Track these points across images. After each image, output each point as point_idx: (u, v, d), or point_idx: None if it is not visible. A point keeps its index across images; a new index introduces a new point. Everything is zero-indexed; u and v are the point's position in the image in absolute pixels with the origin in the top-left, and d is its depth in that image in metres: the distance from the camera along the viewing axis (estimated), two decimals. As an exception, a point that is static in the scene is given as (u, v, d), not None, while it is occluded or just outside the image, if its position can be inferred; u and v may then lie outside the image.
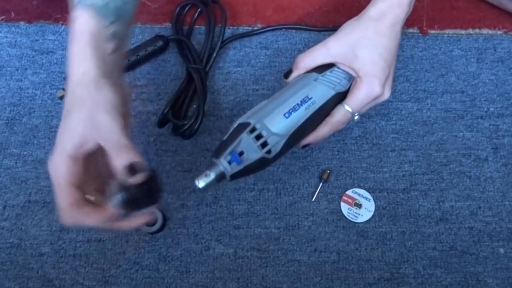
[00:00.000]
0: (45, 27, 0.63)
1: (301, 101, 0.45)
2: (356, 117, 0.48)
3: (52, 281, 0.51)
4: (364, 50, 0.46)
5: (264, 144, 0.43)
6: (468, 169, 0.57)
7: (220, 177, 0.43)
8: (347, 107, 0.47)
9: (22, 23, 0.63)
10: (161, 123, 0.56)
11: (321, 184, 0.55)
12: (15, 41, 0.62)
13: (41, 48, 0.62)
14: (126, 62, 0.59)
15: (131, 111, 0.46)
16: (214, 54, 0.59)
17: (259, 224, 0.54)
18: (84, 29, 0.39)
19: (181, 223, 0.53)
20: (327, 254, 0.53)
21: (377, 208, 0.54)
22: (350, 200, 0.55)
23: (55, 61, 0.61)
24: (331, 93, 0.47)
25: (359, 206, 0.54)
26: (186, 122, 0.54)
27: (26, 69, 0.61)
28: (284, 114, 0.44)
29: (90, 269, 0.51)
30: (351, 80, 0.48)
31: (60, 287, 0.51)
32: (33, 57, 0.61)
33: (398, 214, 0.54)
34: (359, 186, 0.55)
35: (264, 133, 0.43)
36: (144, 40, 0.61)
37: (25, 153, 0.56)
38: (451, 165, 0.57)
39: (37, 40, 0.62)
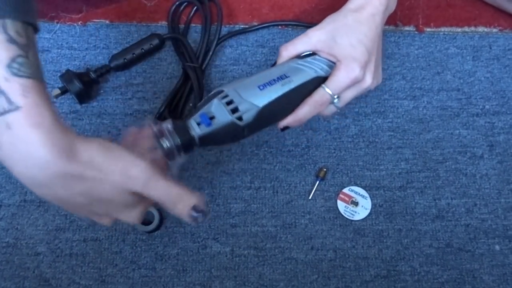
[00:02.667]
0: (40, 26, 0.62)
1: (277, 78, 0.46)
2: (335, 101, 0.48)
3: (48, 281, 0.51)
4: (343, 36, 0.47)
5: (234, 110, 0.43)
6: (464, 167, 0.57)
7: (188, 139, 0.42)
8: (326, 88, 0.47)
9: (16, 21, 0.63)
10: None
11: (317, 182, 0.55)
12: (10, 39, 0.62)
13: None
14: (122, 61, 0.59)
15: None
16: (211, 52, 0.59)
17: (256, 222, 0.54)
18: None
19: (178, 222, 0.53)
20: (324, 252, 0.53)
21: (373, 206, 0.55)
22: (346, 198, 0.55)
23: (50, 59, 0.61)
24: (311, 75, 0.47)
25: (355, 204, 0.55)
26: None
27: (21, 67, 0.60)
28: (259, 86, 0.45)
29: (86, 268, 0.51)
30: (332, 67, 0.48)
31: (56, 287, 0.51)
32: (28, 55, 0.61)
33: (395, 212, 0.55)
34: (356, 184, 0.56)
35: (235, 99, 0.43)
36: (140, 38, 0.60)
37: (20, 152, 0.56)
38: (447, 163, 0.57)
39: (32, 39, 0.62)
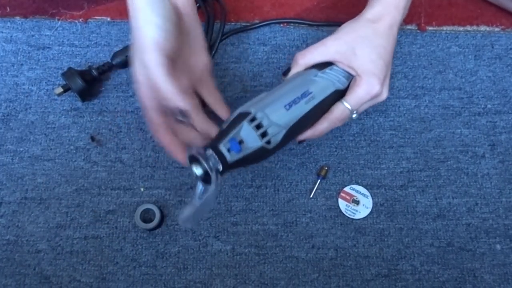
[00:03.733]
0: (41, 22, 0.62)
1: (301, 95, 0.45)
2: (354, 115, 0.48)
3: (49, 278, 0.51)
4: (363, 49, 0.46)
5: (264, 134, 0.43)
6: (466, 166, 0.57)
7: (218, 165, 0.42)
8: (346, 104, 0.47)
9: (17, 18, 0.63)
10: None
11: (319, 180, 0.55)
12: (11, 36, 0.62)
13: (37, 43, 0.61)
14: (124, 58, 0.58)
15: (196, 24, 0.46)
16: (214, 50, 0.59)
17: (257, 220, 0.54)
18: None
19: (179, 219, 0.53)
20: (325, 251, 0.53)
21: (374, 204, 0.55)
22: (348, 197, 0.55)
23: (51, 56, 0.61)
24: (331, 89, 0.47)
25: (356, 202, 0.55)
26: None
27: (22, 64, 0.60)
28: (285, 106, 0.44)
29: (87, 266, 0.51)
30: (350, 79, 0.48)
31: (57, 284, 0.51)
32: (29, 52, 0.61)
33: (396, 211, 0.54)
34: (357, 183, 0.55)
35: (264, 122, 0.43)
36: (141, 35, 0.60)
37: (21, 149, 0.56)
38: (449, 162, 0.57)
39: (33, 36, 0.62)
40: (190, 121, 0.44)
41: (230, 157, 0.42)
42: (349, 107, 0.47)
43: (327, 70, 0.48)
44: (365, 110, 0.49)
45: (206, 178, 0.42)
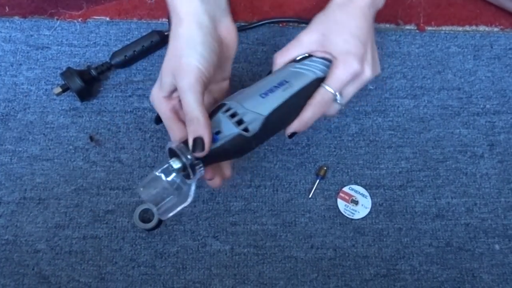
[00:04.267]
0: (39, 22, 0.62)
1: (278, 84, 0.45)
2: (338, 99, 0.46)
3: (48, 278, 0.51)
4: (336, 33, 0.47)
5: (240, 122, 0.42)
6: (464, 166, 0.57)
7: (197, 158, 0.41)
8: (327, 87, 0.46)
9: (16, 18, 0.63)
10: (158, 119, 0.55)
11: (317, 181, 0.55)
12: (10, 36, 0.62)
13: (36, 43, 0.61)
14: (123, 58, 0.58)
15: (232, 54, 0.47)
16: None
17: (256, 220, 0.54)
18: None
19: (178, 220, 0.53)
20: (324, 251, 0.53)
21: (373, 204, 0.55)
22: (346, 197, 0.55)
23: (50, 56, 0.61)
24: (310, 77, 0.47)
25: (355, 202, 0.55)
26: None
27: (20, 64, 0.60)
28: (260, 95, 0.44)
29: (86, 266, 0.51)
30: (330, 66, 0.48)
31: (56, 284, 0.51)
32: (27, 52, 0.61)
33: (395, 211, 0.54)
34: (356, 183, 0.55)
35: (239, 110, 0.43)
36: (140, 35, 0.60)
37: (20, 149, 0.56)
38: (448, 162, 0.57)
39: (31, 35, 0.62)
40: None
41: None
42: (331, 90, 0.46)
43: (305, 61, 0.48)
44: (353, 94, 0.48)
45: (186, 173, 0.42)
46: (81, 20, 0.62)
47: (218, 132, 0.42)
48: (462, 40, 0.63)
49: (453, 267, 0.52)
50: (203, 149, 0.40)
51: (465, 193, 0.56)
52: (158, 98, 0.45)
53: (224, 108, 0.43)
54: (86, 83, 0.56)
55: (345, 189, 0.55)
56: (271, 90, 0.45)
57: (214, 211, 0.54)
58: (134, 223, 0.52)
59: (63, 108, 0.58)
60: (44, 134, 0.57)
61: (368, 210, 0.54)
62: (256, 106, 0.43)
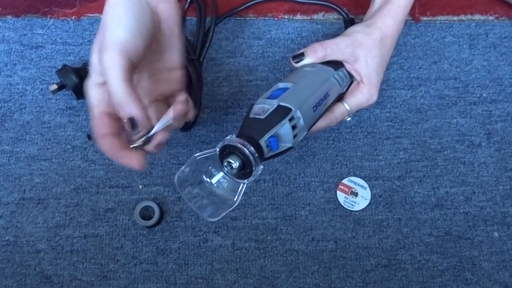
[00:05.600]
0: (33, 21, 0.62)
1: (324, 96, 0.46)
2: (348, 118, 0.51)
3: (50, 278, 0.51)
4: (373, 58, 0.48)
5: (295, 135, 0.42)
6: (462, 155, 0.57)
7: (258, 160, 0.38)
8: (347, 106, 0.49)
9: (9, 17, 0.62)
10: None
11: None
12: (3, 35, 0.61)
13: (29, 42, 0.61)
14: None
15: (176, 40, 0.42)
16: (208, 44, 0.59)
17: (256, 215, 0.54)
18: None
19: (178, 216, 0.53)
20: (325, 243, 0.53)
21: (373, 196, 0.55)
22: (346, 189, 0.55)
23: (45, 55, 0.60)
24: (339, 91, 0.49)
25: (355, 194, 0.55)
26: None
27: (15, 64, 0.60)
28: (313, 107, 0.44)
29: (88, 264, 0.51)
30: (350, 82, 0.50)
31: (58, 284, 0.51)
32: (22, 52, 0.60)
33: (394, 202, 0.55)
34: (355, 175, 0.56)
35: (298, 124, 0.42)
36: (135, 32, 0.60)
37: (17, 149, 0.56)
38: (445, 152, 0.57)
39: (25, 35, 0.61)
40: (137, 134, 0.39)
41: (266, 154, 0.40)
42: (349, 109, 0.49)
43: (340, 72, 0.49)
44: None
45: (235, 172, 0.39)
46: (74, 18, 0.62)
47: (277, 137, 0.40)
48: (458, 29, 0.63)
49: (453, 255, 0.53)
50: (137, 126, 0.36)
51: (464, 182, 0.56)
52: (87, 86, 0.39)
53: (290, 116, 0.41)
54: (83, 80, 0.55)
55: (344, 181, 0.55)
56: (319, 104, 0.45)
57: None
58: (135, 220, 0.52)
59: (59, 107, 0.58)
60: (41, 134, 0.56)
61: (368, 201, 0.54)
62: (308, 120, 0.44)
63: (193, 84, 0.56)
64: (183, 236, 0.53)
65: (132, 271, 0.51)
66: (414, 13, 0.64)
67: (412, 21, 0.64)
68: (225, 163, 0.39)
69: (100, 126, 0.39)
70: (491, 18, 0.64)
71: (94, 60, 0.39)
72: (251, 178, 0.39)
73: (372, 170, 0.56)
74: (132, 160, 0.38)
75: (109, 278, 0.51)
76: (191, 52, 0.57)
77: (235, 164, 0.38)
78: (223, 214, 0.41)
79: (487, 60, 0.62)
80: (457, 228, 0.54)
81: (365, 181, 0.55)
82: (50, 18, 0.62)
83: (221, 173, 0.40)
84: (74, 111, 0.58)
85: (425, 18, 0.64)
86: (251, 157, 0.37)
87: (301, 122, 0.42)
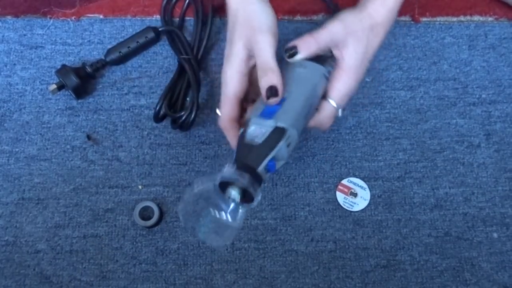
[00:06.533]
0: (33, 21, 0.62)
1: (313, 100, 0.45)
2: (340, 114, 0.48)
3: (49, 278, 0.51)
4: (360, 45, 0.46)
5: (289, 150, 0.42)
6: (462, 156, 0.57)
7: (256, 186, 0.39)
8: (333, 102, 0.47)
9: (9, 17, 0.62)
10: (157, 118, 0.55)
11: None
12: (3, 36, 0.61)
13: (29, 42, 0.61)
14: (117, 54, 0.58)
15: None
16: (204, 42, 0.59)
17: (256, 215, 0.54)
18: None
19: (178, 216, 0.53)
20: (324, 243, 0.53)
21: (372, 196, 0.55)
22: (345, 189, 0.55)
23: (44, 55, 0.60)
24: (325, 83, 0.47)
25: (354, 195, 0.55)
26: (182, 113, 0.54)
27: (14, 64, 0.60)
28: (305, 116, 0.44)
29: (87, 265, 0.51)
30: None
31: (57, 284, 0.51)
32: (21, 52, 0.60)
33: (393, 202, 0.55)
34: (354, 175, 0.56)
35: (292, 140, 0.42)
36: (135, 33, 0.60)
37: (17, 149, 0.56)
38: (445, 152, 0.57)
39: (25, 35, 0.61)
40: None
41: (265, 178, 0.40)
42: (335, 105, 0.47)
43: (329, 66, 0.47)
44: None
45: (245, 199, 0.40)
46: (74, 18, 0.62)
47: (274, 159, 0.41)
48: (457, 30, 0.63)
49: (452, 256, 0.53)
50: (277, 95, 0.43)
51: (463, 183, 0.56)
52: (230, 72, 0.46)
53: (286, 136, 0.41)
54: (82, 80, 0.56)
55: (344, 181, 0.55)
56: (310, 109, 0.45)
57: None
58: (134, 221, 0.52)
59: (59, 107, 0.58)
60: (40, 134, 0.56)
61: (367, 202, 0.55)
62: (300, 131, 0.43)
63: (191, 82, 0.56)
64: (183, 236, 0.53)
65: (131, 272, 0.51)
66: (414, 14, 0.64)
67: (412, 22, 0.64)
68: (226, 195, 0.39)
69: (232, 107, 0.46)
70: (490, 19, 0.64)
71: (239, 49, 0.46)
72: (254, 204, 0.40)
73: (371, 171, 0.56)
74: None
75: (108, 279, 0.51)
76: (189, 51, 0.58)
77: (236, 196, 0.39)
78: (231, 239, 0.43)
79: (487, 61, 0.62)
80: (456, 229, 0.54)
81: (365, 181, 0.55)
82: (50, 18, 0.62)
83: (222, 203, 0.40)
84: (73, 111, 0.58)
85: (424, 19, 0.64)
86: (251, 189, 0.38)
87: (295, 137, 0.42)
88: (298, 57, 0.46)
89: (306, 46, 0.46)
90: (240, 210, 0.40)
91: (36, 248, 0.52)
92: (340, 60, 0.47)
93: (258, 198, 0.39)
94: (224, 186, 0.40)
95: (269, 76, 0.43)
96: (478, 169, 0.57)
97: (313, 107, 0.46)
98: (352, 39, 0.46)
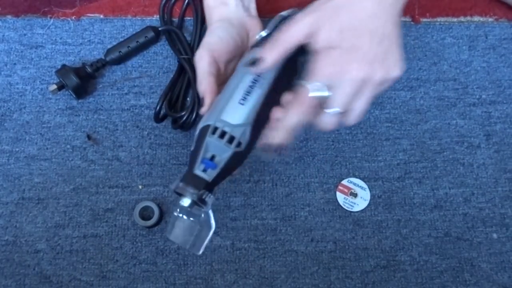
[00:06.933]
0: (33, 21, 0.62)
1: (252, 83, 0.43)
2: (332, 110, 0.40)
3: (49, 278, 0.51)
4: (334, 22, 0.39)
5: (231, 140, 0.41)
6: (462, 156, 0.57)
7: (204, 190, 0.41)
8: (305, 83, 0.40)
9: (9, 17, 0.62)
10: (157, 118, 0.55)
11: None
12: (3, 35, 0.61)
13: (29, 42, 0.61)
14: (117, 54, 0.58)
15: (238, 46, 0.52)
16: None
17: (256, 215, 0.54)
18: None
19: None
20: (324, 244, 0.53)
21: (372, 197, 0.55)
22: (345, 190, 0.55)
23: (45, 55, 0.60)
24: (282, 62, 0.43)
25: (354, 195, 0.55)
26: (183, 113, 0.54)
27: (15, 64, 0.60)
28: (239, 102, 0.42)
29: (87, 264, 0.51)
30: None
31: (57, 284, 0.51)
32: (21, 51, 0.60)
33: (393, 203, 0.55)
34: (354, 176, 0.56)
35: (226, 128, 0.41)
36: (135, 32, 0.60)
37: (17, 149, 0.56)
38: (445, 153, 0.57)
39: (25, 35, 0.61)
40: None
41: (208, 177, 0.41)
42: (309, 87, 0.39)
43: (260, 39, 0.46)
44: (365, 105, 0.41)
45: (199, 205, 0.42)
46: (74, 18, 0.62)
47: (213, 157, 0.41)
48: (457, 31, 0.63)
49: (452, 256, 0.53)
50: (202, 105, 0.47)
51: (463, 183, 0.56)
52: (204, 54, 0.50)
53: (210, 130, 0.41)
54: (82, 80, 0.56)
55: (344, 182, 0.55)
56: (248, 92, 0.43)
57: (214, 207, 0.54)
58: (134, 220, 0.52)
59: (59, 107, 0.58)
60: (41, 133, 0.56)
61: (367, 202, 0.55)
62: (240, 116, 0.42)
63: (191, 82, 0.56)
64: (183, 236, 0.53)
65: (131, 271, 0.51)
66: (414, 15, 0.64)
67: (412, 23, 0.64)
68: (181, 206, 0.42)
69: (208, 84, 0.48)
70: (490, 19, 0.64)
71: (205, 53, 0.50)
72: (208, 208, 0.43)
73: (371, 171, 0.56)
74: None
75: (108, 278, 0.51)
76: (188, 51, 0.58)
77: (187, 203, 0.42)
78: (207, 240, 0.44)
79: (487, 61, 0.62)
80: (456, 229, 0.54)
81: (365, 182, 0.55)
82: (50, 18, 0.62)
83: (188, 209, 0.42)
84: (73, 111, 0.58)
85: (424, 20, 0.64)
86: (193, 197, 0.41)
87: (229, 125, 0.41)
88: (265, 66, 0.42)
89: (270, 59, 0.41)
90: (199, 213, 0.43)
91: (36, 248, 0.52)
92: (316, 42, 0.40)
93: (210, 200, 0.42)
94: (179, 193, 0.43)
95: (200, 87, 0.48)
96: (478, 170, 0.57)
97: (254, 91, 0.42)
98: (318, 23, 0.39)
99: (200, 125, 0.43)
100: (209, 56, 0.49)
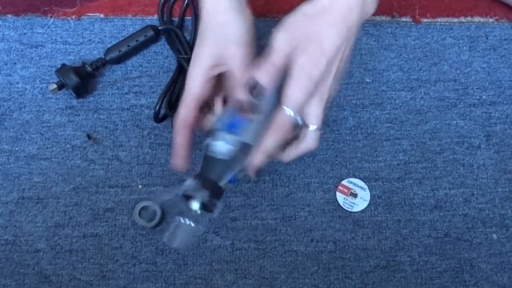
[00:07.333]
0: (33, 20, 0.62)
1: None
2: (299, 119, 0.43)
3: (49, 277, 0.51)
4: (302, 49, 0.41)
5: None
6: (462, 157, 0.57)
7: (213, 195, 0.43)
8: (286, 109, 0.42)
9: (9, 16, 0.62)
10: (158, 118, 0.55)
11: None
12: (3, 34, 0.61)
13: (29, 41, 0.61)
14: (117, 53, 0.58)
15: (253, 32, 0.49)
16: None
17: (256, 215, 0.54)
18: None
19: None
20: (324, 244, 0.53)
21: (372, 197, 0.55)
22: (345, 190, 0.55)
23: (45, 54, 0.60)
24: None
25: (354, 195, 0.55)
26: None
27: (15, 63, 0.60)
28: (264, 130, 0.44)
29: (87, 264, 0.51)
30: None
31: (57, 283, 0.50)
32: (21, 51, 0.60)
33: (393, 203, 0.55)
34: (354, 176, 0.56)
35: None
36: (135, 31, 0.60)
37: (16, 148, 0.56)
38: (445, 153, 0.57)
39: (25, 34, 0.61)
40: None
41: (225, 188, 0.43)
42: (289, 112, 0.42)
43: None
44: (321, 113, 0.44)
45: (207, 209, 0.43)
46: (75, 17, 0.62)
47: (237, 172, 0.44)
48: (458, 31, 0.63)
49: (452, 257, 0.53)
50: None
51: (463, 184, 0.56)
52: (194, 75, 0.47)
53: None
54: (82, 80, 0.56)
55: (344, 182, 0.55)
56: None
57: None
58: (134, 220, 0.52)
59: (59, 106, 0.58)
60: (40, 133, 0.56)
61: (367, 202, 0.55)
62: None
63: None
64: (183, 236, 0.53)
65: (131, 271, 0.51)
66: (414, 15, 0.64)
67: (412, 23, 0.64)
68: (188, 205, 0.42)
69: (190, 110, 0.47)
70: (491, 20, 0.64)
71: (206, 56, 0.46)
72: (215, 215, 0.43)
73: (371, 172, 0.56)
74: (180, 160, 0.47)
75: (108, 278, 0.51)
76: (188, 51, 0.57)
77: (197, 207, 0.42)
78: (193, 241, 0.46)
79: (487, 62, 0.62)
80: (456, 230, 0.54)
81: (365, 182, 0.55)
82: (50, 17, 0.62)
83: (186, 211, 0.43)
84: (73, 111, 0.57)
85: (425, 20, 0.64)
86: (209, 204, 0.42)
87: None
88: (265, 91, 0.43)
89: (268, 81, 0.42)
90: (202, 218, 0.43)
91: (35, 247, 0.52)
92: (292, 65, 0.42)
93: (218, 210, 0.43)
94: (188, 196, 0.43)
95: (247, 73, 0.44)
96: (478, 170, 0.57)
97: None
98: (297, 46, 0.41)
99: (247, 139, 0.43)
100: (248, 55, 0.46)
